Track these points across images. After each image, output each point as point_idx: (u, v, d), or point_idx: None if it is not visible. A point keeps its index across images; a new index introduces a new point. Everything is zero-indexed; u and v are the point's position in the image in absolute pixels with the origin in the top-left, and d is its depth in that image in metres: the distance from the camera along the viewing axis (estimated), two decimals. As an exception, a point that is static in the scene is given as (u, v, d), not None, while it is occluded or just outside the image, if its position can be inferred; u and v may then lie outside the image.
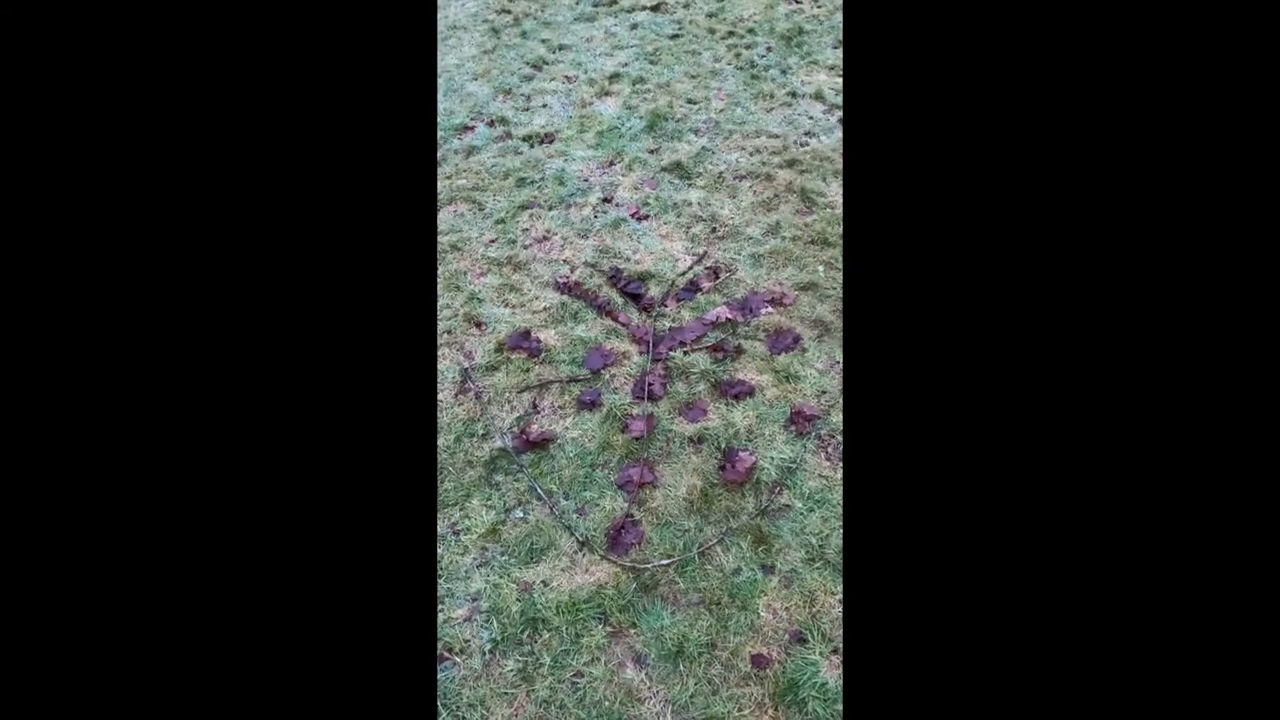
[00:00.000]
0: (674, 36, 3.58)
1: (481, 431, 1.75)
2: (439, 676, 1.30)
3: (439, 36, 3.70)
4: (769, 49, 3.43)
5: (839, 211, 2.41)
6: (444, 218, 2.47)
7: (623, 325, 2.02)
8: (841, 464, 1.63)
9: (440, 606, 1.41)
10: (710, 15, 3.77)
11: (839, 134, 2.82)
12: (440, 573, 1.47)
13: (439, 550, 1.51)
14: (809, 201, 2.46)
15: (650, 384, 1.82)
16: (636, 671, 1.31)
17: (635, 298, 2.12)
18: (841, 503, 1.55)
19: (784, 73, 3.24)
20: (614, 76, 3.27)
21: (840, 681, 1.27)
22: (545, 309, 2.08)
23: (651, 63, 3.36)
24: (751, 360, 1.90)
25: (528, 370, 1.90)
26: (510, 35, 3.70)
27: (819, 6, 3.82)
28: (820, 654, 1.31)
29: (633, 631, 1.36)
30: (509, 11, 3.96)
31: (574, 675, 1.30)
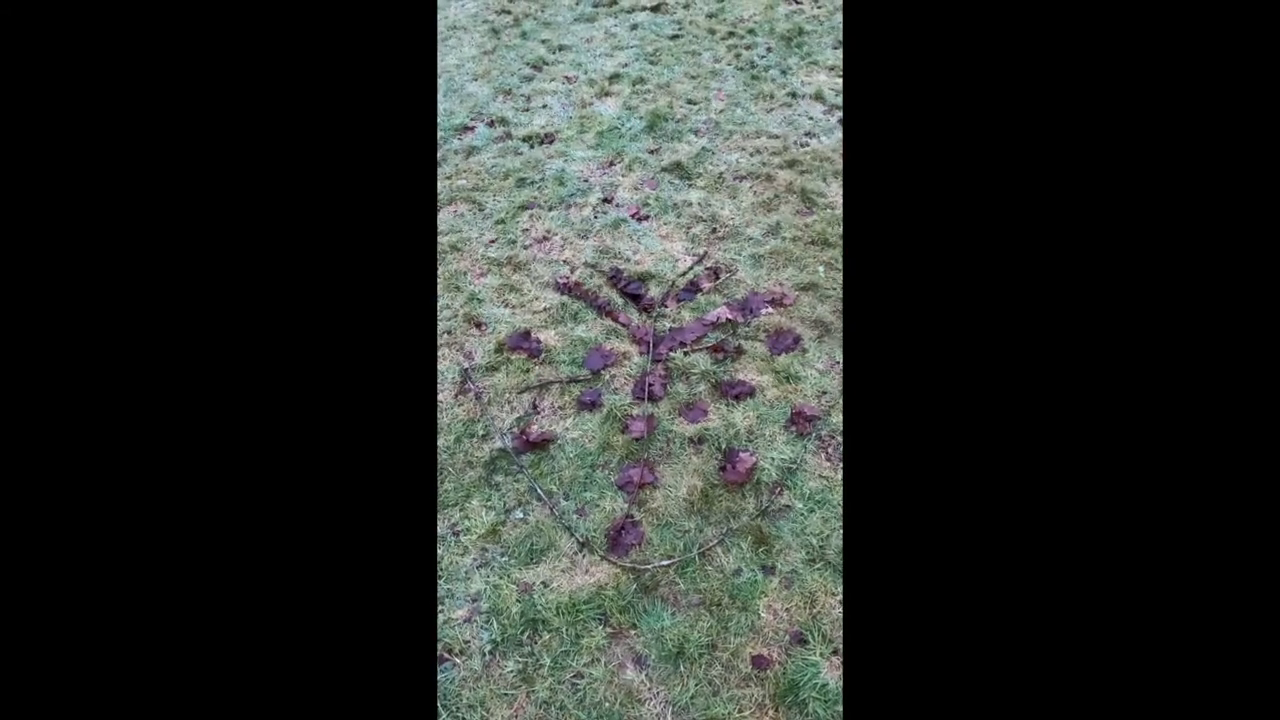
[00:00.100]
0: (674, 37, 3.58)
1: (481, 432, 1.75)
2: (439, 677, 1.30)
3: (439, 37, 3.70)
4: (769, 49, 3.43)
5: (839, 212, 2.41)
6: (444, 218, 2.47)
7: (623, 326, 2.02)
8: (842, 464, 1.63)
9: (440, 607, 1.41)
10: (710, 16, 3.77)
11: (839, 134, 2.82)
12: (440, 573, 1.47)
13: (439, 551, 1.51)
14: (809, 202, 2.46)
15: (650, 384, 1.82)
16: (637, 672, 1.30)
17: (635, 298, 2.11)
18: (842, 503, 1.55)
19: (784, 73, 3.24)
20: (614, 77, 3.27)
21: (840, 682, 1.27)
22: (545, 309, 2.08)
23: (651, 63, 3.36)
24: (752, 361, 1.89)
25: (528, 371, 1.90)
26: (510, 36, 3.70)
27: (819, 6, 3.82)
28: (821, 655, 1.31)
29: (633, 632, 1.36)
30: (509, 12, 3.96)
31: (574, 676, 1.30)
